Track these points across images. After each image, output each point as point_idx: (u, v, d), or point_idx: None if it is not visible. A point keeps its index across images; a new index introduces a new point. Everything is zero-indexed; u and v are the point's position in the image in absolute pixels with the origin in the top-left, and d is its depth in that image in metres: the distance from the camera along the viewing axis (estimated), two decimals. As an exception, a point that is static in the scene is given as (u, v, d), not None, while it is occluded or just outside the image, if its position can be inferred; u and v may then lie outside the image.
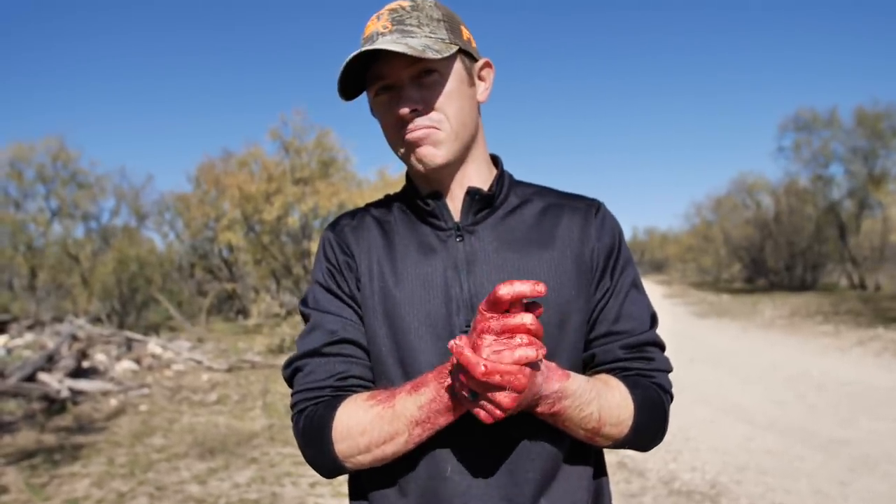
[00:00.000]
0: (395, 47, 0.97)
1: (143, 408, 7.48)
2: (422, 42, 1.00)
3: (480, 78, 1.12)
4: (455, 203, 1.10)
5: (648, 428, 1.06)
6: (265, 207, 13.06)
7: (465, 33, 1.09)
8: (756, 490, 4.33)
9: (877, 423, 5.77)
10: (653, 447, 1.11)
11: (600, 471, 1.13)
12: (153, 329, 15.62)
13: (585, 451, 1.08)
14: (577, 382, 0.96)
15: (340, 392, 1.03)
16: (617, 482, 4.64)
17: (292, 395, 1.08)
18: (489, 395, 0.83)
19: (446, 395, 0.91)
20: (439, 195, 1.09)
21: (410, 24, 1.02)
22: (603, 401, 0.99)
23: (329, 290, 1.10)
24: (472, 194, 1.08)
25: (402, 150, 1.06)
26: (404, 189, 1.16)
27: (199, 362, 10.30)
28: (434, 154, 1.04)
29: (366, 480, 1.08)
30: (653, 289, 32.29)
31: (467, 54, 1.08)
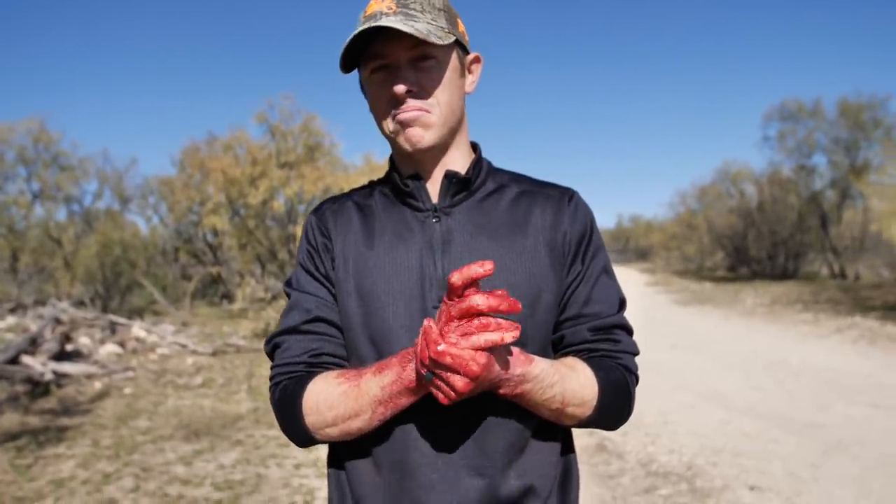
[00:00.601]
0: (405, 27, 1.00)
1: (127, 391, 7.49)
2: (426, 27, 1.03)
3: (469, 70, 1.16)
4: (434, 186, 1.14)
5: (612, 408, 1.10)
6: (250, 191, 13.01)
7: (461, 26, 1.14)
8: (731, 472, 4.44)
9: (851, 409, 5.91)
10: (619, 426, 1.16)
11: (568, 448, 1.17)
12: (137, 313, 15.55)
13: (553, 429, 1.12)
14: (539, 366, 0.99)
15: (314, 368, 1.09)
16: (596, 464, 4.74)
17: (271, 368, 1.13)
18: (444, 376, 0.87)
19: (407, 378, 0.95)
20: (419, 177, 1.13)
21: (414, 9, 1.05)
22: (566, 383, 1.03)
23: (308, 272, 1.15)
24: (449, 177, 1.13)
25: (392, 128, 1.10)
26: (387, 173, 1.20)
27: (183, 346, 10.30)
28: (422, 136, 1.08)
29: (342, 451, 1.12)
30: (636, 277, 32.53)
31: (461, 46, 1.13)
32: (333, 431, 1.04)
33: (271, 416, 6.15)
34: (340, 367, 1.11)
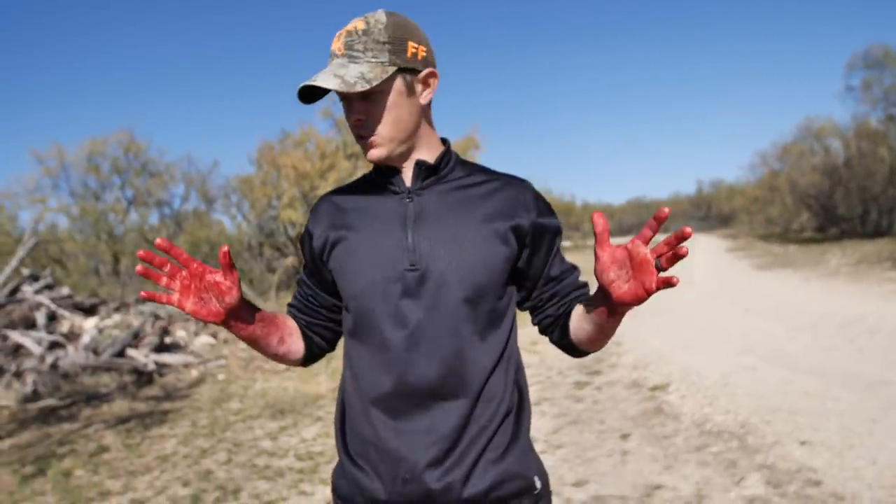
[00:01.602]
0: (329, 84, 1.26)
1: (220, 377, 8.15)
2: (359, 70, 1.28)
3: (427, 84, 1.37)
4: (408, 174, 1.40)
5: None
6: (321, 184, 13.58)
7: (411, 49, 1.30)
8: (784, 429, 4.54)
9: (921, 364, 5.83)
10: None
11: (520, 386, 1.42)
12: (227, 306, 16.49)
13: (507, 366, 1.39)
14: None
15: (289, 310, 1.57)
16: (652, 426, 4.93)
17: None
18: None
19: None
20: (396, 170, 1.40)
21: (357, 50, 1.28)
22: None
23: (303, 256, 1.51)
24: (419, 165, 1.39)
25: (358, 144, 1.40)
26: (373, 167, 1.46)
27: (269, 334, 10.98)
28: (375, 153, 1.35)
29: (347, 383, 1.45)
30: (716, 243, 31.71)
31: (409, 69, 1.32)
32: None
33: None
34: (297, 318, 1.55)
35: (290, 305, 1.55)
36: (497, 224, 1.35)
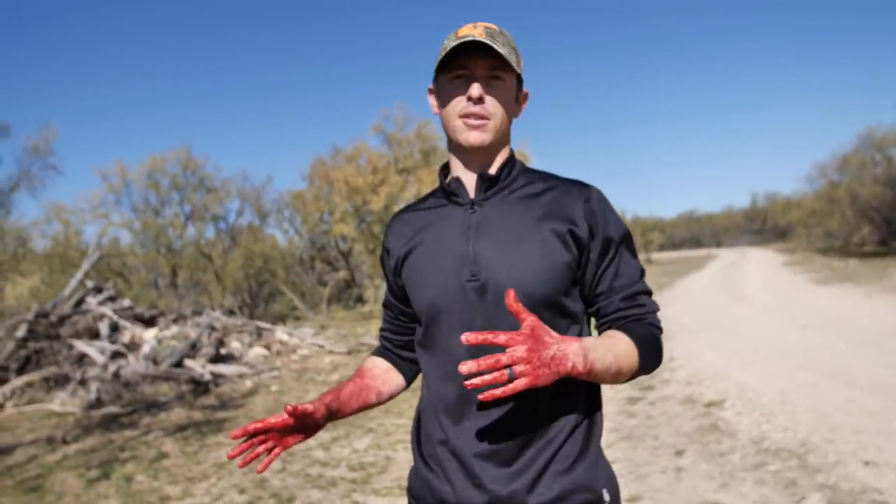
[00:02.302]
0: (496, 46, 1.32)
1: (274, 388, 8.31)
2: (507, 53, 1.35)
3: (521, 102, 1.47)
4: (471, 186, 1.44)
5: (650, 358, 1.36)
6: (372, 198, 13.77)
7: (521, 63, 1.41)
8: (847, 448, 4.40)
9: None
10: (655, 370, 1.41)
11: (594, 404, 1.41)
12: (280, 318, 16.84)
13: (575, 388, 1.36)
14: (592, 343, 1.25)
15: (380, 341, 1.62)
16: (707, 443, 4.83)
17: None
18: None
19: None
20: (460, 180, 1.44)
21: (498, 41, 1.35)
22: (616, 350, 1.28)
23: (386, 276, 1.57)
24: (482, 176, 1.42)
25: (456, 124, 1.39)
26: (439, 182, 1.51)
27: (321, 347, 11.15)
28: (479, 135, 1.37)
29: (420, 407, 1.49)
30: (772, 258, 30.86)
31: (520, 80, 1.44)
32: None
33: (400, 406, 6.67)
34: (391, 339, 1.60)
35: (382, 331, 1.63)
36: (555, 229, 1.35)
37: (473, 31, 1.34)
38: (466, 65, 1.36)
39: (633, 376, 1.35)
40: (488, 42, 1.31)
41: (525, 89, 1.47)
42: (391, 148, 14.41)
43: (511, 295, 1.14)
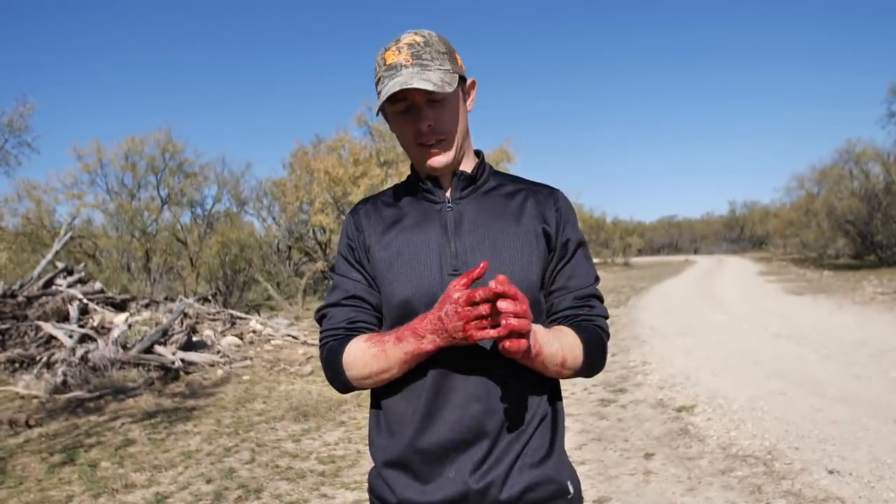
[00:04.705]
0: (425, 85, 1.29)
1: (245, 377, 8.23)
2: (438, 76, 1.31)
3: (468, 94, 1.44)
4: (446, 184, 1.44)
5: (594, 360, 1.39)
6: (353, 190, 13.69)
7: (459, 60, 1.39)
8: (812, 456, 4.45)
9: (957, 398, 5.67)
10: (596, 374, 1.44)
11: (555, 396, 1.43)
12: (254, 308, 16.69)
13: (541, 382, 1.38)
14: (542, 332, 1.28)
15: (351, 332, 1.40)
16: (677, 447, 4.86)
17: (320, 333, 1.46)
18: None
19: (424, 348, 1.25)
20: (436, 179, 1.43)
21: (426, 59, 1.32)
22: (563, 343, 1.31)
23: (347, 260, 1.46)
24: (458, 175, 1.43)
25: (416, 154, 1.39)
26: (409, 177, 1.49)
27: (295, 338, 11.06)
28: (442, 159, 1.38)
29: (379, 394, 1.42)
30: (749, 266, 31.23)
31: (461, 78, 1.40)
32: (367, 382, 1.37)
33: (371, 400, 6.64)
34: (371, 331, 1.41)
35: (351, 322, 1.41)
36: (531, 228, 1.40)
37: (398, 58, 1.32)
38: (405, 96, 1.34)
39: (575, 373, 1.39)
40: (415, 82, 1.28)
41: (470, 78, 1.44)
42: (374, 140, 14.35)
43: (502, 278, 1.14)
